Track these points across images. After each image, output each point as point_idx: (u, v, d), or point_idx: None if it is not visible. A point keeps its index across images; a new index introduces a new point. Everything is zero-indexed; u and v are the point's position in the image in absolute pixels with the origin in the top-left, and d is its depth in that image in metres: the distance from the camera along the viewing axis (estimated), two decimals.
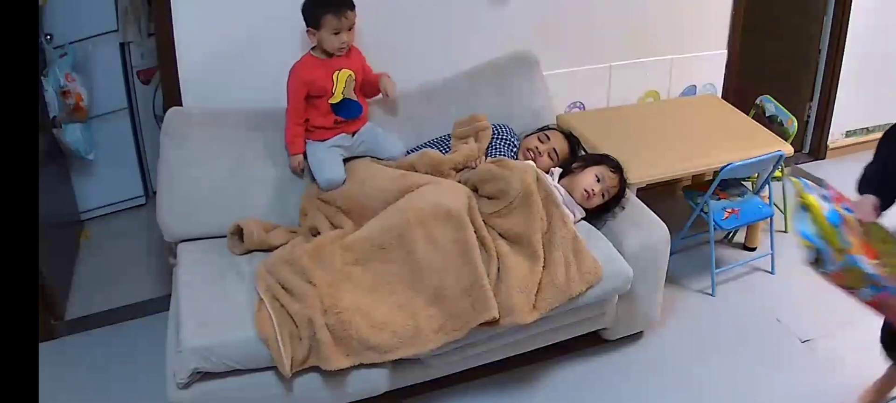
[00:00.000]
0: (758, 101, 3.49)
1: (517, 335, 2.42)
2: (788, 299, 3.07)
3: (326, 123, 2.57)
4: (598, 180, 2.63)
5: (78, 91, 3.11)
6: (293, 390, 2.20)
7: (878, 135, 4.32)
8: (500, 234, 2.41)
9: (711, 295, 3.09)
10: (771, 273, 3.23)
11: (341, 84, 2.54)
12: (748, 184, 3.27)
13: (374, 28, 2.73)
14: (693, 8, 3.43)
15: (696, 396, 2.60)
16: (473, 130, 2.77)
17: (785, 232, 3.49)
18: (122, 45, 3.37)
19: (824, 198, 2.03)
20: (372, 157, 2.68)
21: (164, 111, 2.63)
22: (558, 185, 2.66)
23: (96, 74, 3.29)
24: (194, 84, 2.70)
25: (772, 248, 3.22)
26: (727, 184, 3.14)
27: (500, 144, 2.79)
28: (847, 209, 2.02)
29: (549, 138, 2.84)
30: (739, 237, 3.45)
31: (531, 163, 2.67)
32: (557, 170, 2.76)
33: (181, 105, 2.69)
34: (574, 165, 2.73)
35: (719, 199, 3.13)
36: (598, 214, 2.66)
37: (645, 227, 2.62)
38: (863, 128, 4.22)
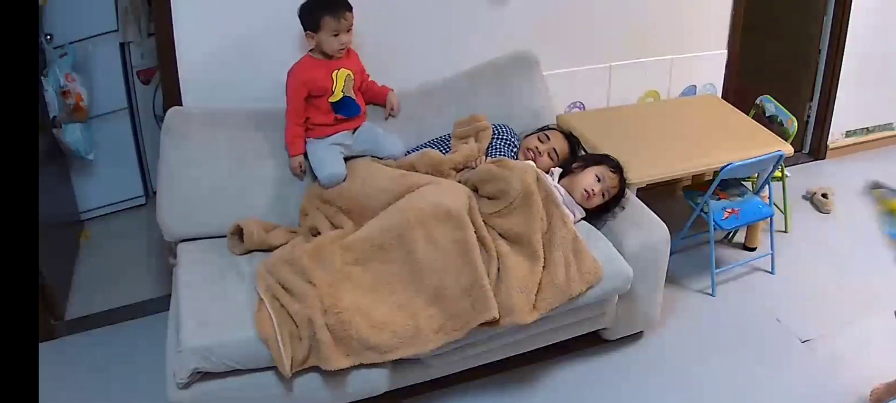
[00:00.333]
0: (758, 101, 3.49)
1: (517, 335, 2.42)
2: (788, 299, 3.07)
3: (327, 121, 2.58)
4: (599, 180, 2.63)
5: (78, 91, 3.11)
6: (293, 390, 2.20)
7: (879, 135, 4.35)
8: (500, 234, 2.41)
9: (711, 295, 3.09)
10: (771, 273, 3.23)
11: (341, 82, 2.55)
12: (748, 184, 3.27)
13: (374, 28, 2.73)
14: (693, 8, 3.43)
15: (696, 396, 2.60)
16: (473, 130, 2.77)
17: (785, 232, 3.50)
18: (122, 45, 3.37)
19: None
20: (372, 157, 2.68)
21: (164, 111, 2.63)
22: (558, 185, 2.66)
23: (96, 74, 3.29)
24: (194, 84, 2.70)
25: (772, 248, 3.22)
26: (727, 184, 3.14)
27: (500, 144, 2.79)
28: None
29: (549, 138, 2.84)
30: (739, 237, 3.45)
31: (531, 163, 2.67)
32: (557, 170, 2.76)
33: (181, 105, 2.68)
34: (574, 165, 2.73)
35: (719, 199, 3.13)
36: (598, 214, 2.66)
37: (645, 227, 2.62)
38: (863, 128, 4.22)
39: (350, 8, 2.48)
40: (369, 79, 2.76)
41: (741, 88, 3.70)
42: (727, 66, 3.64)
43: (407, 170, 2.61)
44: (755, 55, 4.00)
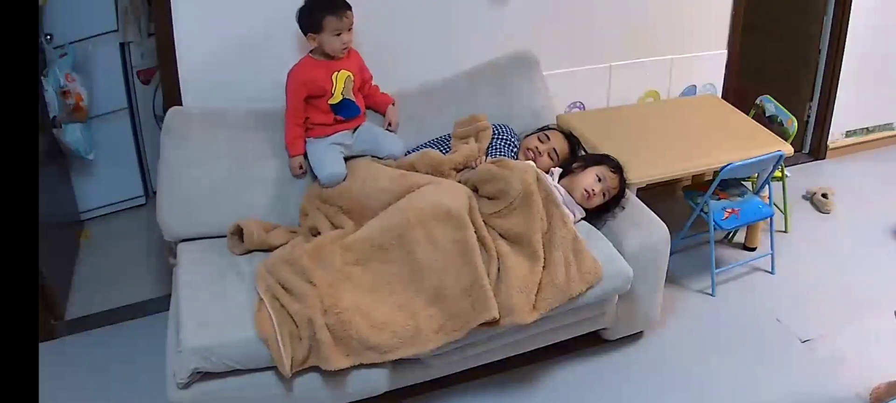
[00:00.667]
0: (758, 101, 3.49)
1: (517, 335, 2.42)
2: (788, 299, 3.07)
3: (326, 121, 2.58)
4: (599, 180, 2.63)
5: (78, 91, 3.11)
6: (293, 390, 2.20)
7: (879, 135, 4.36)
8: (500, 234, 2.41)
9: (711, 295, 3.09)
10: (771, 273, 3.23)
11: (340, 84, 2.55)
12: (748, 184, 3.27)
13: (374, 28, 2.73)
14: (693, 8, 3.43)
15: (696, 396, 2.60)
16: (474, 130, 2.77)
17: (785, 232, 3.50)
18: (122, 45, 3.37)
19: None
20: (372, 157, 2.68)
21: (164, 111, 2.63)
22: (558, 185, 2.66)
23: (96, 74, 3.29)
24: (194, 84, 2.70)
25: (772, 248, 3.22)
26: (727, 184, 3.14)
27: (500, 144, 2.79)
28: None
29: (549, 138, 2.84)
30: (739, 237, 3.45)
31: (531, 163, 2.67)
32: (557, 170, 2.76)
33: (181, 105, 2.68)
34: (574, 165, 2.73)
35: (719, 199, 3.13)
36: (598, 214, 2.66)
37: (645, 227, 2.62)
38: (863, 128, 4.22)
39: (350, 6, 2.48)
40: (372, 83, 2.76)
41: (741, 88, 3.70)
42: (727, 66, 3.64)
43: (407, 169, 2.61)
44: (755, 55, 4.00)
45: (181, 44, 2.63)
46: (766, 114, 3.42)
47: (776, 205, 3.35)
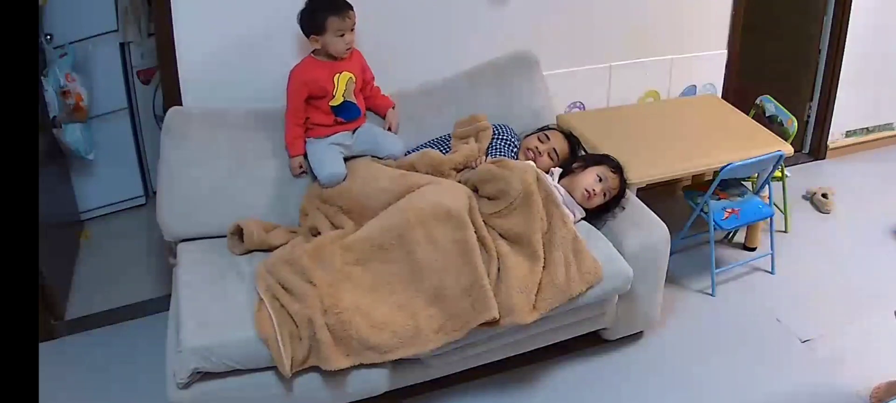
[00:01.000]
0: (758, 101, 3.49)
1: (517, 335, 2.42)
2: (788, 299, 3.07)
3: (326, 122, 2.58)
4: (600, 180, 2.63)
5: (78, 91, 3.11)
6: (293, 390, 2.20)
7: (879, 135, 4.36)
8: (500, 234, 2.41)
9: (711, 295, 3.09)
10: (771, 273, 3.23)
11: (342, 86, 2.55)
12: (748, 184, 3.27)
13: (374, 28, 2.73)
14: (693, 8, 3.43)
15: (696, 396, 2.60)
16: (474, 130, 2.77)
17: (785, 232, 3.50)
18: (122, 45, 3.37)
19: None
20: (372, 157, 2.68)
21: (164, 111, 2.63)
22: (558, 185, 2.66)
23: (96, 74, 3.29)
24: (194, 84, 2.70)
25: (772, 248, 3.22)
26: (727, 184, 3.14)
27: (500, 144, 2.79)
28: None
29: (549, 138, 2.84)
30: (739, 237, 3.45)
31: (531, 163, 2.67)
32: (557, 170, 2.76)
33: (181, 105, 2.68)
34: (574, 165, 2.73)
35: (719, 199, 3.13)
36: (598, 214, 2.66)
37: (645, 227, 2.62)
38: (863, 128, 4.22)
39: (352, 6, 2.48)
40: (374, 84, 2.76)
41: (741, 88, 3.70)
42: (727, 66, 3.64)
43: (407, 169, 2.61)
44: (755, 55, 4.00)
45: (181, 44, 2.63)
46: (766, 114, 3.42)
47: (776, 205, 3.35)
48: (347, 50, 2.52)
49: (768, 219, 3.20)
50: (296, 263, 2.27)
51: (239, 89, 2.72)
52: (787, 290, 3.12)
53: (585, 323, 2.59)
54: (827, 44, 3.91)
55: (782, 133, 3.25)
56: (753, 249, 3.36)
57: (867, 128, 4.23)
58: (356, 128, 2.66)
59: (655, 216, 2.66)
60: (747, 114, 3.42)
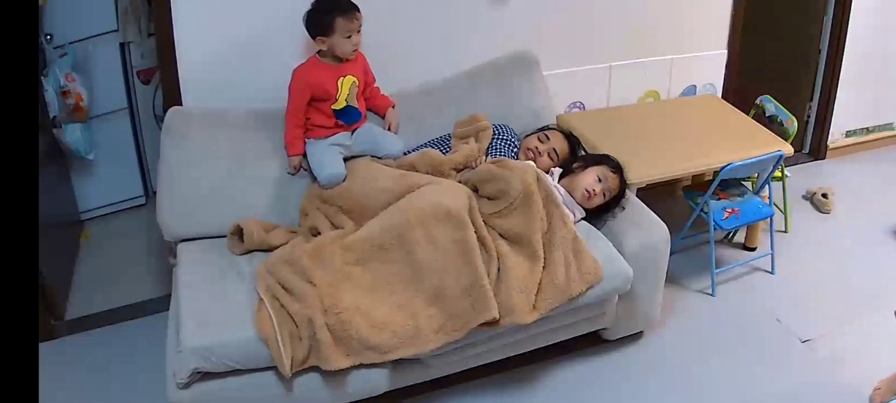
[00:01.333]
0: (758, 101, 3.49)
1: (517, 335, 2.42)
2: (788, 299, 3.07)
3: (327, 124, 2.58)
4: (600, 180, 2.63)
5: (78, 91, 3.11)
6: (293, 390, 2.20)
7: (879, 135, 4.36)
8: (500, 234, 2.41)
9: (711, 295, 3.09)
10: (771, 273, 3.23)
11: (345, 91, 2.55)
12: (748, 184, 3.27)
13: (375, 28, 2.72)
14: (693, 8, 3.43)
15: (696, 396, 2.60)
16: (474, 130, 2.77)
17: (785, 232, 3.50)
18: (122, 45, 3.37)
19: None
20: (372, 156, 2.68)
21: (164, 111, 2.63)
22: (558, 185, 2.66)
23: (96, 74, 3.29)
24: (194, 84, 2.70)
25: (772, 248, 3.22)
26: (727, 184, 3.14)
27: (500, 144, 2.79)
28: None
29: (549, 138, 2.84)
30: (739, 237, 3.45)
31: (531, 163, 2.67)
32: (557, 170, 2.76)
33: (181, 105, 2.68)
34: (574, 165, 2.73)
35: (719, 199, 3.13)
36: (598, 214, 2.66)
37: (645, 227, 2.62)
38: (863, 128, 4.22)
39: (359, 8, 2.48)
40: (375, 85, 2.76)
41: (741, 88, 3.70)
42: (727, 66, 3.64)
43: (407, 169, 2.61)
44: (755, 55, 4.00)
45: (181, 44, 2.63)
46: (766, 114, 3.42)
47: (776, 205, 3.35)
48: (354, 51, 2.51)
49: (768, 219, 3.20)
50: (296, 263, 2.27)
51: (239, 89, 2.72)
52: (787, 290, 3.12)
53: (585, 323, 2.59)
54: (827, 44, 3.91)
55: (782, 133, 3.25)
56: (753, 249, 3.36)
57: (867, 128, 4.23)
58: (355, 129, 2.66)
59: (655, 216, 2.66)
60: (747, 114, 3.42)
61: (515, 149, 2.82)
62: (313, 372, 2.21)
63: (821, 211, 3.71)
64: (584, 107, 3.41)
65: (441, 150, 2.74)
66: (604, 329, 2.70)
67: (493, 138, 2.79)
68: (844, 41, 3.85)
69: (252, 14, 2.68)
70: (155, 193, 3.08)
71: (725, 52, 3.61)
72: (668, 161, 2.97)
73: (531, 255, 2.36)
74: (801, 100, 4.08)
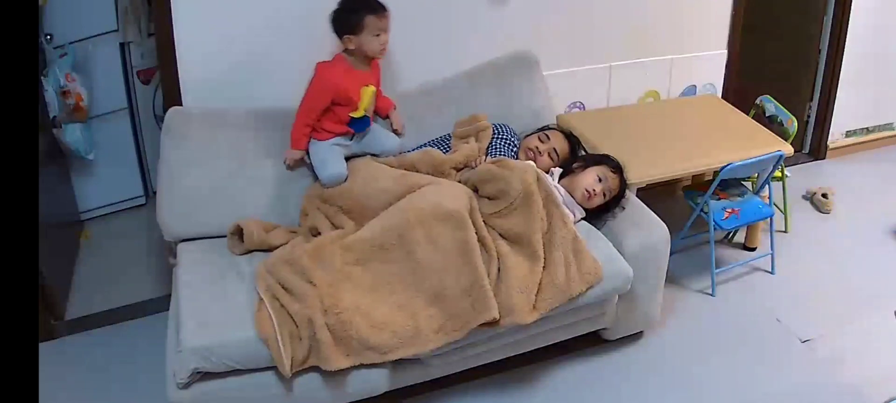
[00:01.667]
0: (758, 101, 3.49)
1: (517, 335, 2.42)
2: (788, 299, 3.07)
3: (337, 129, 2.55)
4: (600, 180, 2.63)
5: (78, 91, 3.11)
6: (293, 390, 2.20)
7: (879, 135, 4.36)
8: (500, 234, 2.41)
9: (711, 295, 3.09)
10: (771, 273, 3.23)
11: (366, 100, 2.52)
12: (748, 184, 3.27)
13: None
14: (693, 8, 3.43)
15: (696, 396, 2.60)
16: (474, 130, 2.78)
17: (785, 232, 3.50)
18: (122, 45, 3.37)
19: None
20: (371, 155, 2.68)
21: (164, 111, 2.63)
22: (558, 185, 2.66)
23: (96, 74, 3.29)
24: (194, 84, 2.70)
25: (772, 248, 3.22)
26: (727, 184, 3.14)
27: (500, 144, 2.79)
28: None
29: (549, 138, 2.84)
30: (739, 237, 3.45)
31: (531, 163, 2.67)
32: (557, 170, 2.76)
33: (181, 105, 2.68)
34: (574, 165, 2.73)
35: (719, 199, 3.13)
36: (598, 214, 2.66)
37: (645, 227, 2.62)
38: (863, 128, 4.22)
39: (388, 7, 2.45)
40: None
41: (741, 88, 3.70)
42: (727, 66, 3.64)
43: (408, 168, 2.61)
44: (755, 55, 4.00)
45: (181, 44, 2.63)
46: (766, 114, 3.42)
47: (776, 205, 3.35)
48: (382, 51, 2.47)
49: (768, 219, 3.20)
50: (296, 263, 2.27)
51: (239, 89, 2.72)
52: (787, 290, 3.12)
53: (585, 323, 2.59)
54: (827, 44, 3.91)
55: (782, 133, 3.25)
56: (753, 249, 3.36)
57: (867, 128, 4.23)
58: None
59: (655, 216, 2.66)
60: (747, 114, 3.42)
61: (515, 149, 2.82)
62: (313, 372, 2.21)
63: (821, 211, 3.71)
64: (584, 107, 3.41)
65: (441, 150, 2.74)
66: (604, 329, 2.70)
67: (492, 138, 2.79)
68: (844, 41, 3.85)
69: (252, 14, 2.68)
70: (155, 193, 3.08)
71: (725, 52, 3.61)
72: (668, 161, 2.97)
73: (531, 255, 2.36)
74: (801, 100, 4.08)
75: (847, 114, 4.10)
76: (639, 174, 2.82)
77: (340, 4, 2.46)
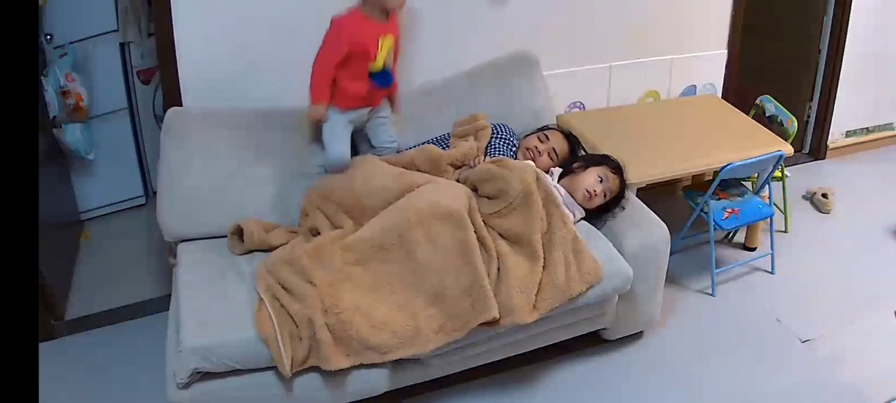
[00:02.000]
0: (758, 101, 3.49)
1: (517, 335, 2.42)
2: (788, 299, 3.07)
3: (360, 90, 2.47)
4: (600, 180, 2.63)
5: (78, 91, 3.11)
6: (293, 390, 2.20)
7: (879, 135, 4.36)
8: (500, 234, 2.40)
9: (711, 295, 3.09)
10: (771, 273, 3.23)
11: (384, 51, 2.42)
12: (748, 184, 3.27)
13: None
14: (693, 8, 3.43)
15: (696, 396, 2.60)
16: (473, 129, 2.78)
17: (785, 232, 3.50)
18: (122, 45, 3.37)
19: None
20: (370, 152, 2.68)
21: (164, 111, 2.63)
22: (558, 185, 2.66)
23: (96, 74, 3.29)
24: (194, 84, 2.70)
25: (772, 248, 3.22)
26: (727, 184, 3.14)
27: (499, 144, 2.79)
28: None
29: (548, 138, 2.84)
30: (739, 237, 3.45)
31: (531, 162, 2.67)
32: (557, 170, 2.76)
33: (181, 105, 2.68)
34: (574, 165, 2.73)
35: (719, 199, 3.13)
36: (598, 214, 2.66)
37: (645, 227, 2.62)
38: (863, 128, 4.22)
39: None
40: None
41: (741, 88, 3.70)
42: (727, 66, 3.64)
43: (406, 165, 2.61)
44: (755, 55, 4.00)
45: (181, 44, 2.63)
46: (766, 114, 3.42)
47: (776, 205, 3.35)
48: (402, 4, 2.39)
49: (768, 219, 3.20)
50: (296, 263, 2.27)
51: (239, 89, 2.72)
52: (787, 290, 3.12)
53: (585, 323, 2.59)
54: (827, 44, 3.91)
55: (782, 133, 3.25)
56: (753, 249, 3.36)
57: (867, 128, 4.23)
58: (374, 109, 2.59)
59: (655, 216, 2.66)
60: (747, 114, 3.42)
61: (514, 148, 2.82)
62: (313, 372, 2.21)
63: (821, 211, 3.71)
64: (584, 107, 3.41)
65: (441, 148, 2.74)
66: (604, 329, 2.70)
67: (491, 137, 2.79)
68: (844, 41, 3.85)
69: (252, 14, 2.68)
70: (155, 193, 3.08)
71: (725, 52, 3.61)
72: (668, 161, 2.97)
73: (531, 255, 2.36)
74: (801, 100, 4.08)
75: (847, 114, 4.10)
76: (639, 174, 2.82)
77: None
